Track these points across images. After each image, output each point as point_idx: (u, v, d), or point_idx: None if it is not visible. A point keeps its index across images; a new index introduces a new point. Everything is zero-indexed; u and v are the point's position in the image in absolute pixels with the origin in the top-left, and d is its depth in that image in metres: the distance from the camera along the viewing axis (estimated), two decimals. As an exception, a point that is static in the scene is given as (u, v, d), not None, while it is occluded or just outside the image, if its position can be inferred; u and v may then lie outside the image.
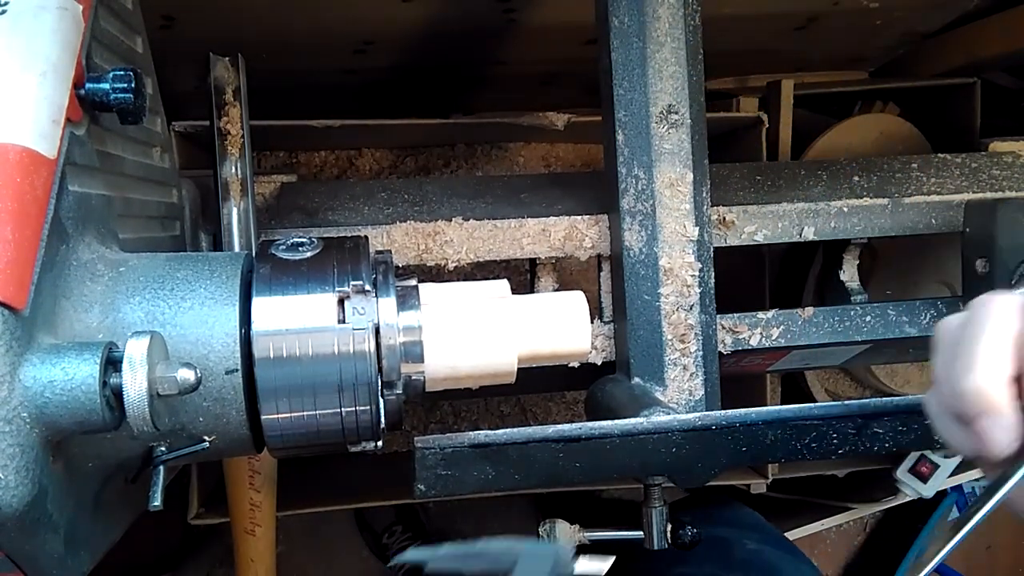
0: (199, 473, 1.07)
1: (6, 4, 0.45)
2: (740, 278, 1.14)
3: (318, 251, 0.51)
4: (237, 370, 0.47)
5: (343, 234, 0.73)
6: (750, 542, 0.88)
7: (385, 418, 0.51)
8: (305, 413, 0.48)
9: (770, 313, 0.79)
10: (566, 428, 0.52)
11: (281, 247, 0.52)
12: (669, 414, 0.61)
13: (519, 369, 0.54)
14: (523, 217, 0.76)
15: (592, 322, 0.68)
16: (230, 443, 0.49)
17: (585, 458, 0.53)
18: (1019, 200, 0.75)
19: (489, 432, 0.51)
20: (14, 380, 0.38)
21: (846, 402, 0.54)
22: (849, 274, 0.86)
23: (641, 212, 0.71)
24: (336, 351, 0.48)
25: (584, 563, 0.46)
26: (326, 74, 1.14)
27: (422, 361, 0.51)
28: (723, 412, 0.53)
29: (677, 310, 0.71)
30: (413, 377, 0.51)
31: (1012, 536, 1.59)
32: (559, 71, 1.19)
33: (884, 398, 0.54)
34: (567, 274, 1.29)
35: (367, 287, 0.49)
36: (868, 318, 0.80)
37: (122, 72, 0.48)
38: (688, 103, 0.71)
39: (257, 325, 0.47)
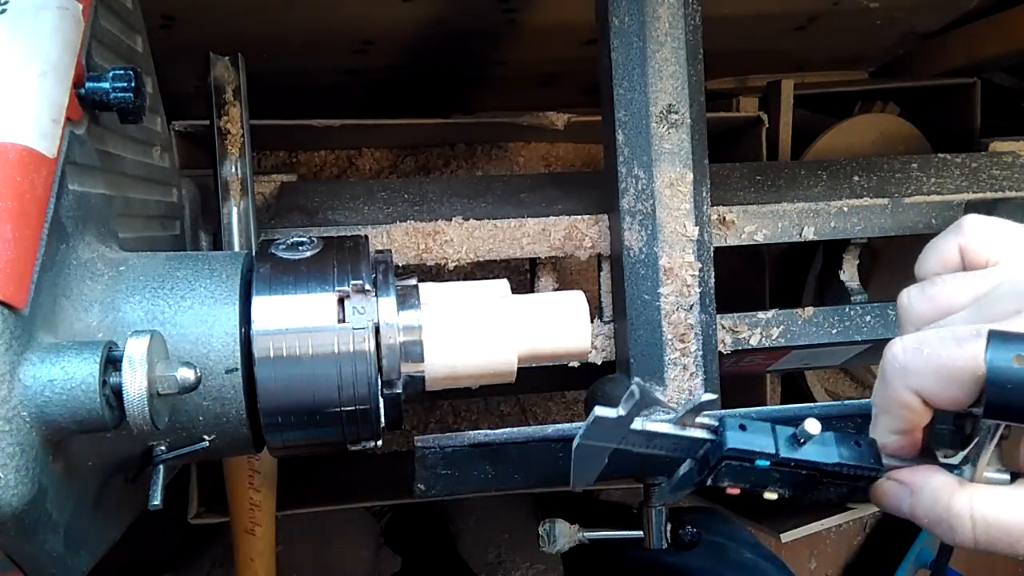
0: (199, 473, 1.07)
1: (6, 3, 0.45)
2: (740, 278, 1.14)
3: (318, 250, 0.51)
4: (237, 369, 0.47)
5: (343, 233, 0.73)
6: (746, 552, 0.89)
7: (385, 417, 0.51)
8: (305, 412, 0.48)
9: (770, 313, 0.79)
10: (566, 428, 0.52)
11: (281, 246, 0.52)
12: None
13: (519, 369, 0.54)
14: (523, 217, 0.76)
15: (592, 322, 0.68)
16: (230, 442, 0.49)
17: (585, 458, 0.53)
18: (1019, 200, 0.75)
19: (489, 432, 0.51)
20: (14, 379, 0.38)
21: (846, 402, 0.54)
22: (849, 274, 0.86)
23: (641, 212, 0.71)
24: (336, 350, 0.48)
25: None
26: (326, 74, 1.14)
27: (422, 360, 0.51)
28: (723, 412, 0.53)
29: (677, 310, 0.71)
30: (413, 376, 0.51)
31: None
32: (559, 71, 1.19)
33: (884, 398, 0.54)
34: (567, 274, 1.29)
35: (367, 286, 0.49)
36: (868, 318, 0.80)
37: (122, 71, 0.48)
38: (688, 103, 0.71)
39: (257, 324, 0.47)
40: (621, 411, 0.41)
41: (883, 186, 0.83)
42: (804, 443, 0.42)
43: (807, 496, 0.43)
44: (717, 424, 0.42)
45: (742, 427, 0.42)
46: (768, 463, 0.41)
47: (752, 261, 1.14)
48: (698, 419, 0.43)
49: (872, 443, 0.43)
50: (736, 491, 0.43)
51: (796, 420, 0.53)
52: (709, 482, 0.42)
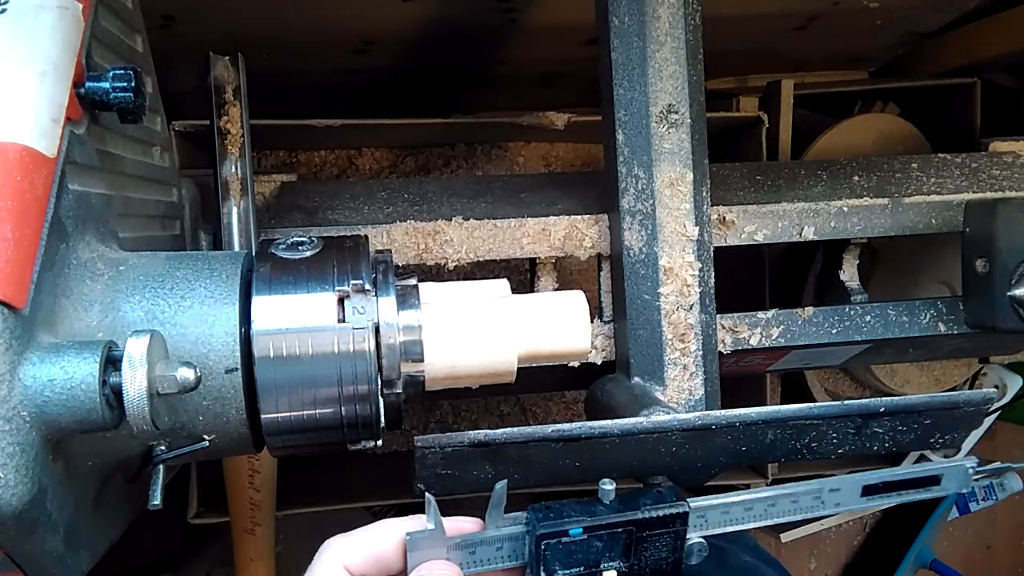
0: (199, 472, 1.07)
1: (6, 3, 0.45)
2: (740, 278, 1.14)
3: (318, 250, 0.51)
4: (237, 369, 0.47)
5: (343, 233, 0.73)
6: (746, 556, 0.89)
7: (385, 417, 0.51)
8: (305, 412, 0.48)
9: (770, 313, 0.79)
10: (566, 427, 0.52)
11: (281, 246, 0.52)
12: (669, 414, 0.61)
13: (519, 369, 0.54)
14: (523, 217, 0.76)
15: (592, 321, 0.68)
16: (230, 442, 0.49)
17: (585, 457, 0.53)
18: (1019, 200, 0.75)
19: (489, 431, 0.51)
20: (14, 379, 0.38)
21: (846, 402, 0.54)
22: (849, 274, 0.86)
23: (641, 212, 0.71)
24: (336, 350, 0.48)
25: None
26: (326, 74, 1.14)
27: (422, 360, 0.51)
28: (723, 412, 0.53)
29: (677, 310, 0.71)
30: (413, 376, 0.51)
31: (1012, 536, 1.59)
32: (559, 71, 1.19)
33: (884, 398, 0.54)
34: (567, 274, 1.29)
35: (367, 286, 0.49)
36: (868, 318, 0.80)
37: (122, 71, 0.48)
38: (688, 103, 0.71)
39: (257, 324, 0.47)
40: (429, 524, 0.43)
41: (883, 186, 0.83)
42: (609, 503, 0.45)
43: (643, 561, 0.45)
44: (526, 515, 0.45)
45: (547, 507, 0.45)
46: (580, 529, 0.44)
47: (752, 261, 1.13)
48: (507, 515, 0.45)
49: (672, 486, 0.46)
50: None
51: (796, 420, 0.53)
52: (543, 575, 0.44)
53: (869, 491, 0.49)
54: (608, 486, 0.45)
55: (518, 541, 0.44)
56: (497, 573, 0.45)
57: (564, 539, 0.44)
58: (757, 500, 0.47)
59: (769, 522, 0.47)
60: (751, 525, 0.47)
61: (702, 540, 0.46)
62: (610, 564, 0.45)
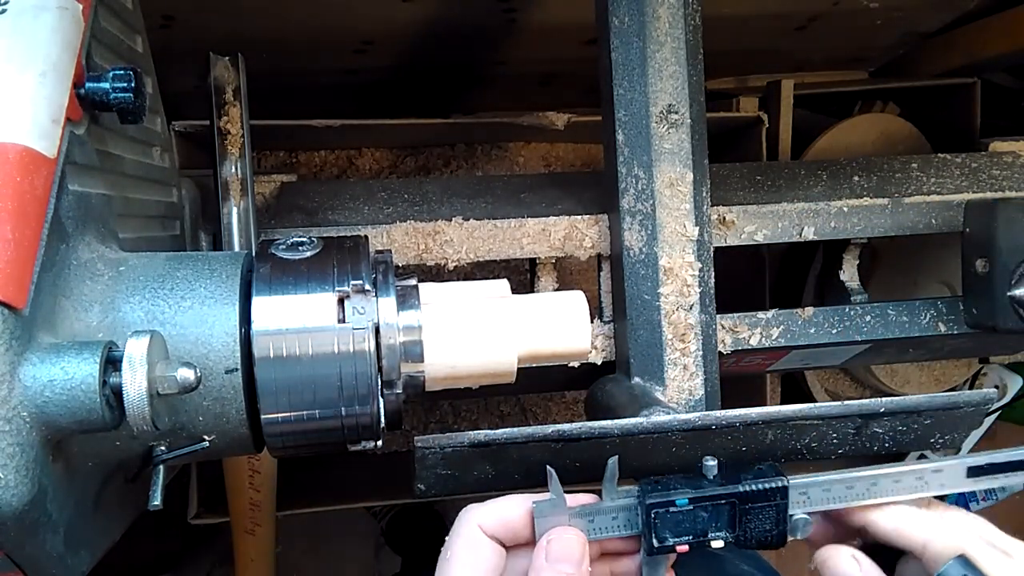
0: (199, 473, 1.07)
1: (6, 3, 0.45)
2: (740, 278, 1.14)
3: (318, 251, 0.51)
4: (237, 369, 0.47)
5: (343, 234, 0.73)
6: (743, 564, 0.89)
7: (385, 417, 0.51)
8: (305, 412, 0.48)
9: (770, 313, 0.79)
10: (566, 428, 0.52)
11: (281, 247, 0.52)
12: (669, 414, 0.61)
13: (519, 369, 0.54)
14: (523, 217, 0.76)
15: (592, 322, 0.68)
16: (230, 442, 0.49)
17: (585, 458, 0.53)
18: (1019, 200, 0.75)
19: (489, 431, 0.51)
20: (14, 379, 0.38)
21: (846, 402, 0.54)
22: (849, 274, 0.86)
23: (641, 212, 0.71)
24: (336, 351, 0.48)
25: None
26: (326, 74, 1.14)
27: (422, 360, 0.51)
28: (723, 412, 0.53)
29: (677, 310, 0.71)
30: (413, 376, 0.51)
31: (1012, 536, 1.59)
32: (559, 71, 1.19)
33: (884, 398, 0.54)
34: (567, 274, 1.29)
35: (367, 287, 0.49)
36: (868, 318, 0.80)
37: (122, 71, 0.48)
38: (688, 103, 0.71)
39: (257, 324, 0.47)
40: (553, 495, 0.47)
41: (883, 186, 0.83)
42: (712, 478, 0.49)
43: (748, 533, 0.48)
44: (637, 487, 0.48)
45: (655, 480, 0.49)
46: (686, 500, 0.47)
47: (752, 261, 1.14)
48: (620, 488, 0.48)
49: (772, 464, 0.49)
50: (685, 548, 0.48)
51: (796, 420, 0.53)
52: (655, 542, 0.47)
53: (974, 472, 0.50)
54: (711, 462, 0.48)
55: (632, 512, 0.48)
56: (615, 543, 0.49)
57: (672, 509, 0.47)
58: (859, 479, 0.49)
59: (869, 502, 0.49)
60: (853, 504, 0.49)
61: (806, 516, 0.49)
62: (717, 534, 0.48)
